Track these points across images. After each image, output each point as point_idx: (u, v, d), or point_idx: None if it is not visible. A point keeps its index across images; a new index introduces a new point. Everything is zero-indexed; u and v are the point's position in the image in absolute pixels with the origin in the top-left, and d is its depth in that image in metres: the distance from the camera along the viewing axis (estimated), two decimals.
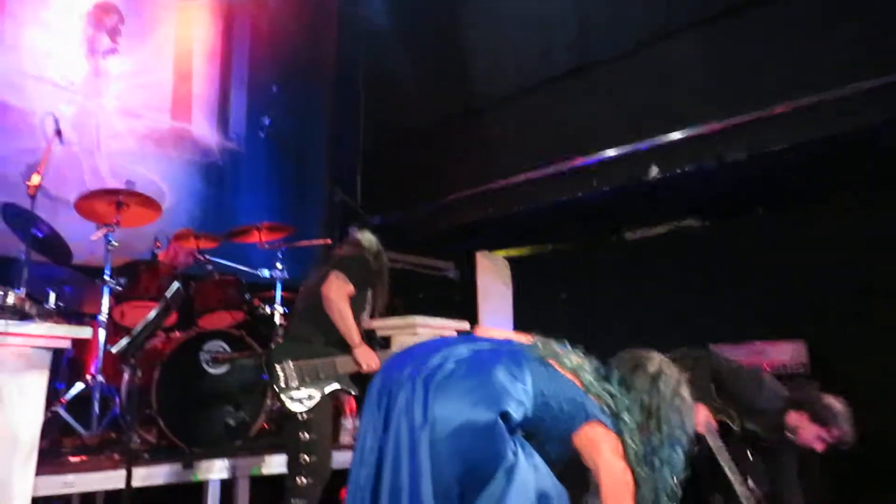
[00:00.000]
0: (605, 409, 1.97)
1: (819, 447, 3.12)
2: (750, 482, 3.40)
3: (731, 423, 3.35)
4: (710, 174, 4.33)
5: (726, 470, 3.21)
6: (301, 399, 2.74)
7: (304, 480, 2.70)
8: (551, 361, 2.07)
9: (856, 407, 4.05)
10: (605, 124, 4.77)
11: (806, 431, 3.12)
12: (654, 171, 4.45)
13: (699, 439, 3.27)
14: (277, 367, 2.73)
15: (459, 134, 5.72)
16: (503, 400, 1.81)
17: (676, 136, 4.37)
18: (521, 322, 6.20)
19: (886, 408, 3.81)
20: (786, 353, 4.52)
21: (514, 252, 6.42)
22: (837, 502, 3.98)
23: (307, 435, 2.73)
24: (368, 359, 2.92)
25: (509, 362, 1.92)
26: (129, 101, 5.25)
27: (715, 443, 3.25)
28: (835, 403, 3.09)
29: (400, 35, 6.18)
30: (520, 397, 1.84)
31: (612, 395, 2.03)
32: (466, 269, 6.23)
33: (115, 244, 3.61)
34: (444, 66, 5.88)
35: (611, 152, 4.68)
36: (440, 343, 2.06)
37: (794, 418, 3.17)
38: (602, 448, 1.90)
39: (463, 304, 5.93)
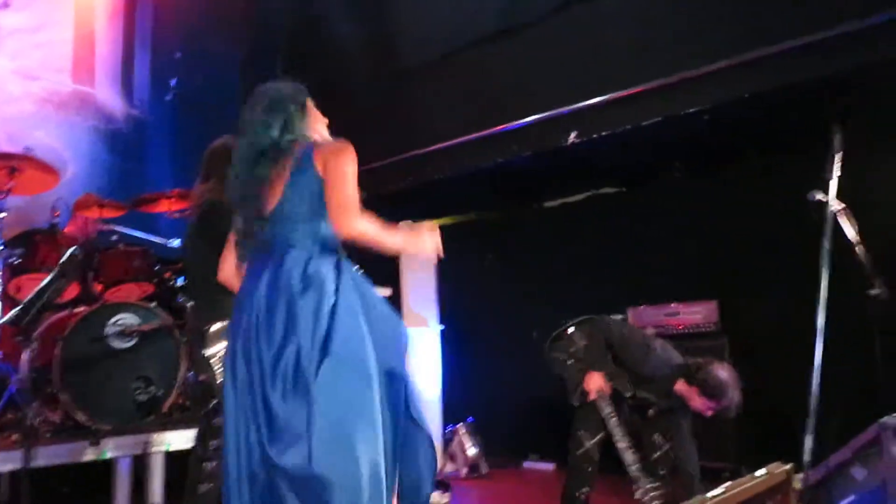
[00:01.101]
0: None
1: (708, 414, 3.26)
2: (657, 439, 3.53)
3: (623, 391, 3.45)
4: (626, 138, 4.40)
5: (615, 437, 3.32)
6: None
7: (210, 465, 2.60)
8: None
9: (762, 361, 4.28)
10: (525, 90, 4.78)
11: (694, 402, 3.25)
12: (572, 136, 4.49)
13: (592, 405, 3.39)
14: (214, 361, 2.59)
15: (383, 98, 5.61)
16: None
17: (595, 100, 4.41)
18: (445, 290, 6.21)
19: (789, 362, 4.00)
20: (699, 312, 4.70)
21: (436, 221, 6.40)
22: (737, 457, 4.19)
23: (221, 420, 2.63)
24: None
25: None
26: (25, 62, 4.89)
27: (606, 408, 3.35)
28: (723, 375, 3.18)
29: None
30: None
31: None
32: None
33: (2, 214, 3.36)
34: (368, 27, 5.74)
35: (530, 118, 4.69)
36: None
37: (683, 388, 3.28)
38: None
39: (385, 273, 5.89)
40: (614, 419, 3.34)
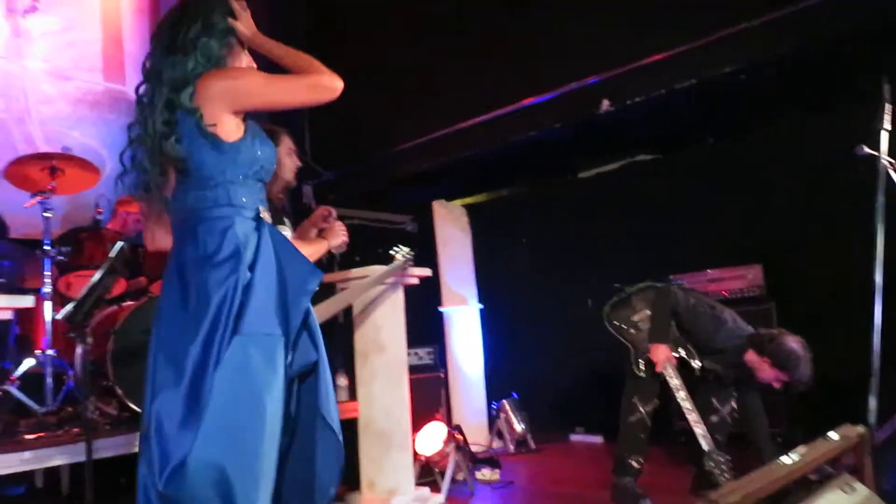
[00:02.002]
0: None
1: (777, 386, 3.19)
2: (715, 403, 3.47)
3: (689, 360, 3.40)
4: (661, 103, 4.30)
5: (685, 409, 3.27)
6: None
7: None
8: None
9: (811, 324, 4.19)
10: (554, 60, 4.70)
11: (764, 373, 3.18)
12: (605, 105, 4.41)
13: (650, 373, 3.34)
14: None
15: (410, 78, 5.57)
16: None
17: (626, 67, 4.32)
18: (483, 267, 6.19)
19: (840, 323, 3.91)
20: (743, 278, 4.61)
21: (470, 200, 6.37)
22: (800, 426, 4.12)
23: None
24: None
25: None
26: (57, 62, 4.97)
27: (674, 380, 3.30)
28: (795, 346, 3.12)
29: None
30: None
31: None
32: (424, 220, 6.17)
33: (48, 214, 3.41)
34: (390, 3, 5.70)
35: (561, 89, 4.61)
36: None
37: (754, 359, 3.21)
38: None
39: (423, 254, 5.90)
40: (683, 391, 3.29)
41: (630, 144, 5.38)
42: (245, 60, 1.93)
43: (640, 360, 3.43)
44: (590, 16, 4.55)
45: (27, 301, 2.55)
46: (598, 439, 5.22)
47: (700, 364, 3.40)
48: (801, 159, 4.54)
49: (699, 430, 3.24)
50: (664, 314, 3.41)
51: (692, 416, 3.25)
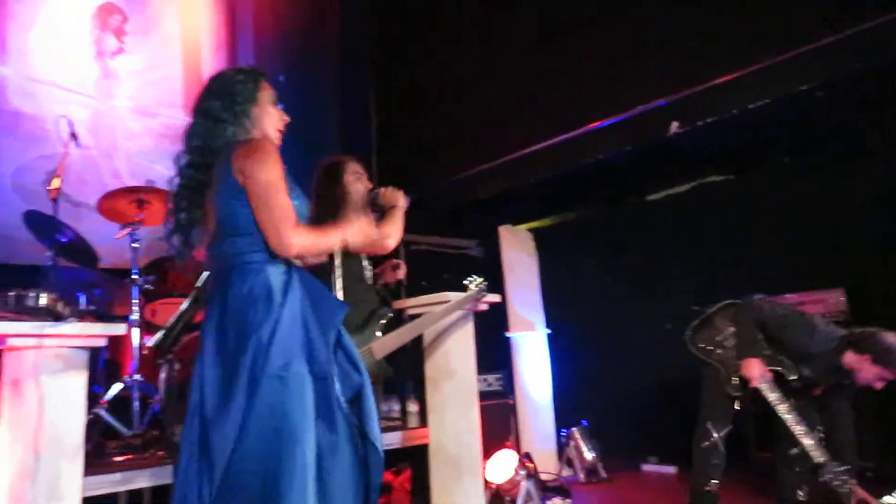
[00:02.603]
0: None
1: (879, 386, 3.06)
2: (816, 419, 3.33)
3: (785, 373, 3.28)
4: (732, 124, 4.22)
5: (788, 422, 3.15)
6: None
7: None
8: None
9: None
10: (622, 83, 4.67)
11: (865, 372, 3.05)
12: (674, 127, 4.35)
13: (755, 393, 3.23)
14: None
15: (475, 103, 5.63)
16: None
17: (696, 89, 4.26)
18: (550, 292, 6.15)
19: None
20: (823, 302, 4.44)
21: (536, 224, 6.36)
22: (879, 455, 3.92)
23: None
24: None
25: None
26: (142, 100, 5.25)
27: (772, 395, 3.19)
28: (894, 341, 3.00)
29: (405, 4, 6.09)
30: None
31: None
32: (490, 245, 6.18)
33: (136, 244, 3.58)
34: (457, 29, 5.80)
35: (630, 112, 4.58)
36: None
37: (853, 359, 3.09)
38: None
39: (489, 280, 5.91)
40: (783, 405, 3.18)
41: (700, 166, 5.28)
42: (275, 115, 2.10)
43: (731, 379, 3.33)
44: (659, 38, 4.52)
45: (120, 329, 2.67)
46: (671, 469, 5.08)
47: (796, 376, 3.27)
48: (883, 179, 4.37)
49: (808, 441, 3.11)
50: (750, 328, 3.32)
51: (798, 429, 3.13)
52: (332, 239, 1.97)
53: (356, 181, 3.02)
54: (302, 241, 1.87)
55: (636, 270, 5.61)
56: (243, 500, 1.74)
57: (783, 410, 3.17)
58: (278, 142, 2.08)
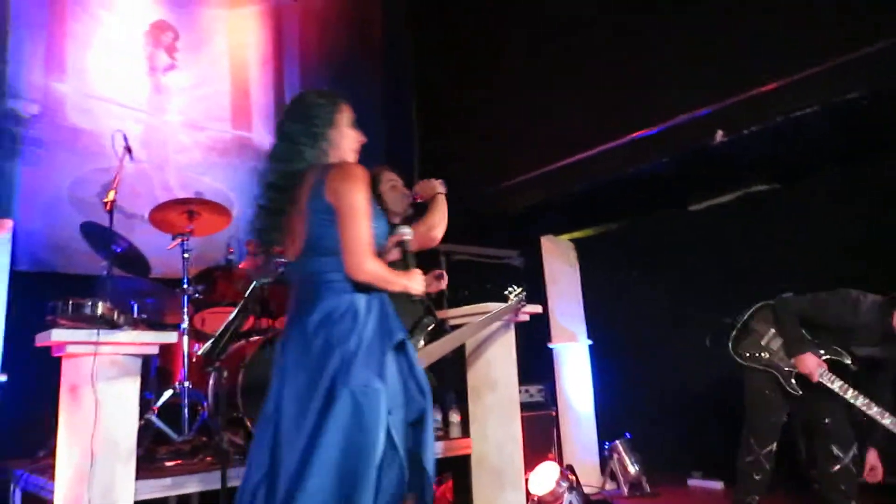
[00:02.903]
0: None
1: None
2: (841, 452, 3.25)
3: (841, 359, 3.22)
4: (777, 133, 4.16)
5: (858, 405, 3.09)
6: None
7: None
8: None
9: None
10: (666, 92, 4.64)
11: None
12: (719, 136, 4.30)
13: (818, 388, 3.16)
14: None
15: (518, 113, 5.65)
16: None
17: (740, 97, 4.21)
18: (592, 303, 6.11)
19: None
20: None
21: (578, 234, 6.33)
22: None
23: None
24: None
25: None
26: (192, 115, 5.43)
27: (836, 384, 3.14)
28: None
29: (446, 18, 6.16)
30: None
31: None
32: (531, 254, 6.18)
33: (187, 255, 3.69)
34: (498, 41, 5.83)
35: (673, 120, 4.55)
36: None
37: None
38: None
39: (531, 290, 5.91)
40: (851, 391, 3.12)
41: (745, 175, 5.19)
42: (352, 136, 2.19)
43: (791, 381, 3.28)
44: (701, 46, 4.48)
45: (171, 337, 2.76)
46: (717, 485, 4.97)
47: (850, 360, 3.21)
48: None
49: (888, 420, 3.04)
50: (793, 323, 3.28)
51: (873, 410, 3.06)
52: (397, 281, 2.05)
53: (391, 190, 3.08)
54: (373, 271, 1.96)
55: (679, 281, 5.53)
56: None
57: (851, 397, 3.11)
58: (354, 160, 2.19)
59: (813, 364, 3.17)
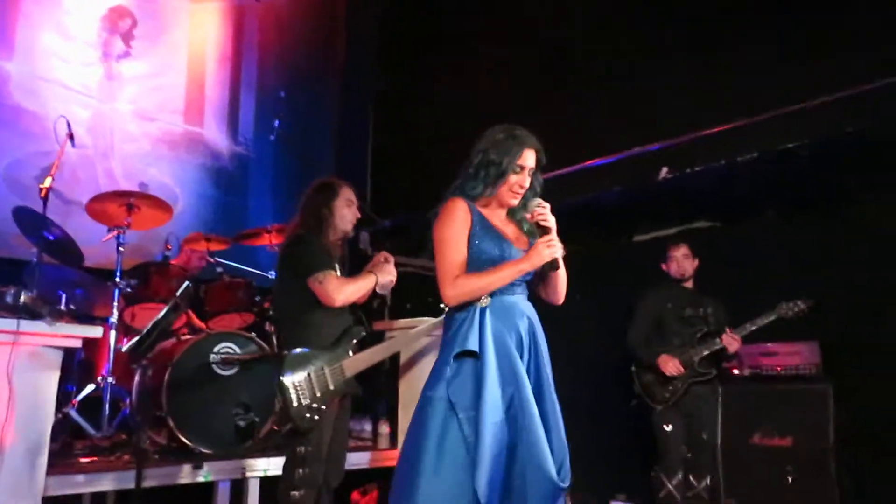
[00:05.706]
0: None
1: None
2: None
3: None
4: (719, 175, 4.31)
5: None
6: (310, 414, 2.69)
7: (297, 493, 2.67)
8: None
9: (867, 403, 4.04)
10: (616, 127, 4.76)
11: None
12: (664, 172, 4.43)
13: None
14: (290, 387, 2.67)
15: (469, 134, 5.71)
16: None
17: (688, 137, 4.35)
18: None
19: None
20: (798, 353, 4.46)
21: None
22: None
23: (304, 448, 2.69)
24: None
25: None
26: (143, 104, 5.32)
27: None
28: None
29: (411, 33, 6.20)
30: None
31: None
32: None
33: (122, 248, 3.62)
34: (459, 58, 5.89)
35: (621, 153, 4.67)
36: None
37: None
38: None
39: None
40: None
41: (688, 210, 5.35)
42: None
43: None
44: (654, 84, 4.62)
45: (96, 332, 2.69)
46: None
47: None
48: (864, 237, 4.43)
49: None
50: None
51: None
52: (483, 285, 2.29)
53: (345, 207, 3.02)
54: (454, 293, 2.28)
55: (617, 309, 5.64)
56: None
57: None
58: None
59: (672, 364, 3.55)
